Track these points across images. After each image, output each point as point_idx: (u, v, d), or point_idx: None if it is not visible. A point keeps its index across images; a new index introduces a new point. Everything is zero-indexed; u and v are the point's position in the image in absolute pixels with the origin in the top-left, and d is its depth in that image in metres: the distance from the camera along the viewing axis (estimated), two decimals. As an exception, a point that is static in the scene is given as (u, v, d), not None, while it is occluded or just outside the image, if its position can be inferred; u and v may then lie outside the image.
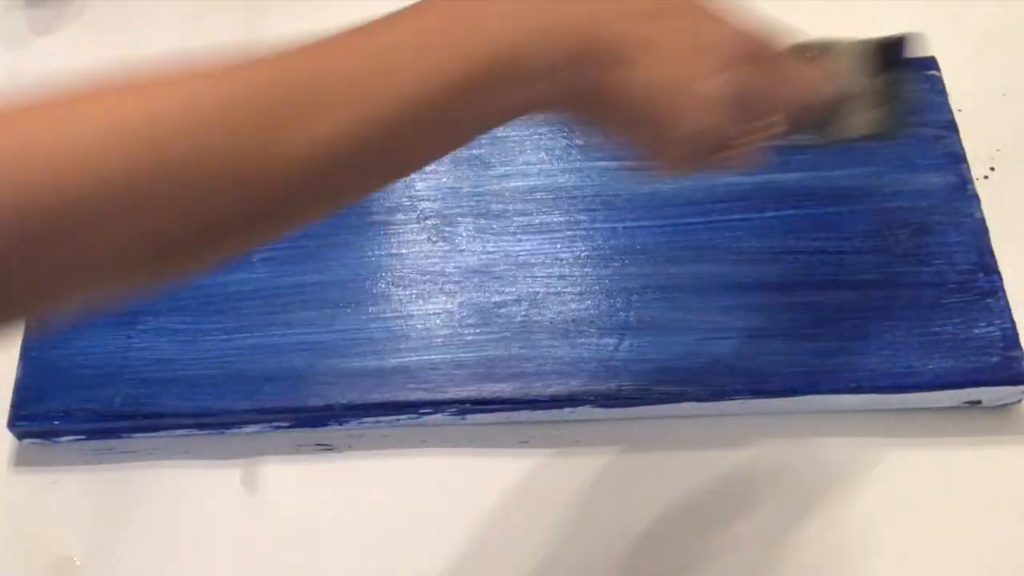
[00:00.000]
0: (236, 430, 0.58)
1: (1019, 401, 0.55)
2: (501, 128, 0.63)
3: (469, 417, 0.56)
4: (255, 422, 0.57)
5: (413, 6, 0.38)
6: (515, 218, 0.61)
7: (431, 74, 0.36)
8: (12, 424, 0.57)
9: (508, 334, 0.57)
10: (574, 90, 0.39)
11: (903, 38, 0.53)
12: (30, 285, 0.33)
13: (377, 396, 0.56)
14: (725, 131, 0.42)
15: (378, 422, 0.57)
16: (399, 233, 0.61)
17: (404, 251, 0.60)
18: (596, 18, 0.39)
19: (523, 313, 0.57)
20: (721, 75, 0.41)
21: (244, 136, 0.34)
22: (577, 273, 0.58)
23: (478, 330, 0.57)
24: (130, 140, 0.32)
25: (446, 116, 0.37)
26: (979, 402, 0.55)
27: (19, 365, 0.58)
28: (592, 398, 0.55)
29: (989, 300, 0.55)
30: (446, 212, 0.61)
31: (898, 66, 0.52)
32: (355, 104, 0.35)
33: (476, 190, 0.62)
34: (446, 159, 0.63)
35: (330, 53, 0.37)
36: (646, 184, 0.61)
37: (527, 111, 0.39)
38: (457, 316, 0.58)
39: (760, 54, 0.43)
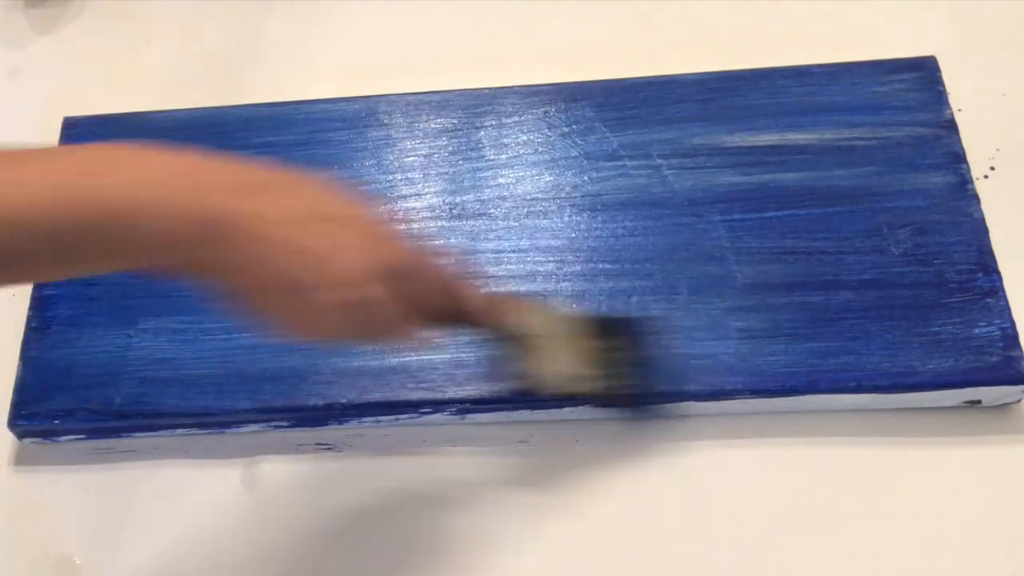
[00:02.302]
0: (236, 430, 0.58)
1: (1019, 401, 0.55)
2: (501, 129, 0.64)
3: (469, 417, 0.56)
4: (255, 422, 0.57)
5: (58, 148, 0.41)
6: (515, 218, 0.61)
7: (33, 211, 0.38)
8: (12, 423, 0.57)
9: (508, 334, 0.57)
10: (200, 261, 0.41)
11: (623, 319, 0.55)
12: None
13: (377, 396, 0.56)
14: (360, 308, 0.43)
15: (378, 422, 0.57)
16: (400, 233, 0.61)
17: (404, 251, 0.60)
18: (221, 199, 0.40)
19: (523, 313, 0.57)
20: (363, 250, 0.43)
21: None
22: (577, 273, 0.58)
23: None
24: None
25: (54, 251, 0.39)
26: (979, 402, 0.55)
27: (19, 365, 0.58)
28: (592, 398, 0.55)
29: (989, 300, 0.55)
30: (447, 213, 0.61)
31: (621, 335, 0.54)
32: None
33: (476, 191, 0.62)
34: (446, 159, 0.63)
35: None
36: (648, 186, 0.61)
37: (155, 267, 0.41)
38: (457, 316, 0.58)
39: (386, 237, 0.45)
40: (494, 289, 0.51)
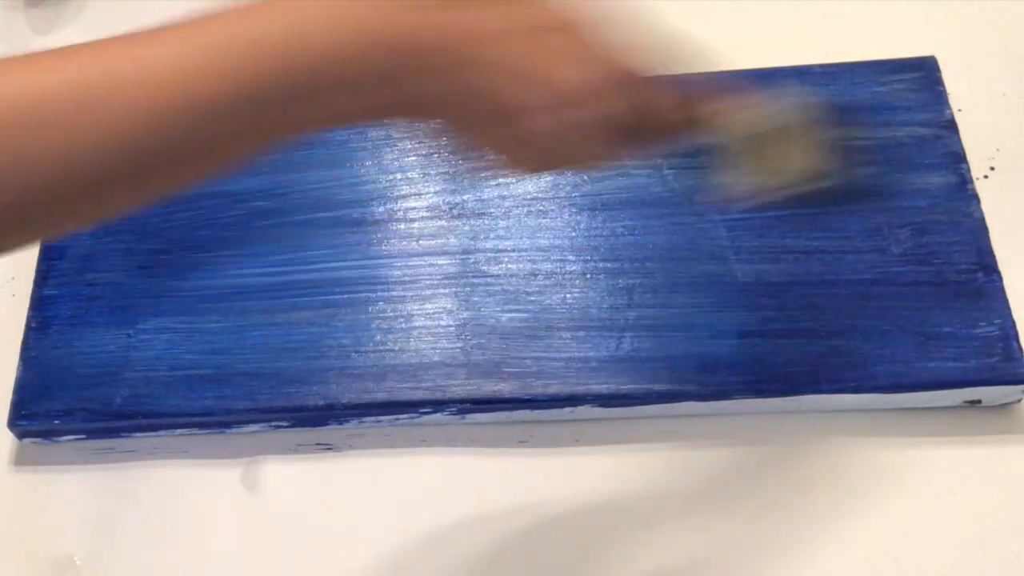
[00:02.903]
0: (236, 430, 0.58)
1: (1019, 401, 0.55)
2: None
3: (469, 417, 0.56)
4: (255, 422, 0.57)
5: (245, 7, 0.35)
6: (515, 218, 0.61)
7: (229, 75, 0.34)
8: (12, 423, 0.57)
9: (508, 334, 0.57)
10: (408, 96, 0.36)
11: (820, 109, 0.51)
12: None
13: (377, 396, 0.56)
14: (578, 128, 0.39)
15: (378, 421, 0.57)
16: (399, 233, 0.61)
17: (404, 251, 0.60)
18: (417, 19, 0.35)
19: (523, 313, 0.57)
20: (569, 69, 0.38)
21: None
22: (577, 273, 0.58)
23: (478, 329, 0.57)
24: None
25: (248, 117, 0.35)
26: (979, 401, 0.55)
27: (19, 365, 0.58)
28: (592, 398, 0.55)
29: (989, 300, 0.55)
30: (447, 213, 0.61)
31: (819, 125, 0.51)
32: (120, 111, 0.33)
33: (476, 191, 0.62)
34: (446, 159, 0.63)
35: (124, 51, 0.35)
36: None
37: (361, 118, 0.37)
38: (457, 316, 0.58)
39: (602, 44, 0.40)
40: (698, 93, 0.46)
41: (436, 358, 0.57)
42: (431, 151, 0.64)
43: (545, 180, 0.62)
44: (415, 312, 0.58)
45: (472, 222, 0.61)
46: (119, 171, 0.34)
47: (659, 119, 0.43)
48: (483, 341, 0.57)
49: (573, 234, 0.60)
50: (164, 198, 0.37)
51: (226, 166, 0.37)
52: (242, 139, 0.36)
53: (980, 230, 0.58)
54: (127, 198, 0.36)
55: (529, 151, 0.40)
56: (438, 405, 0.56)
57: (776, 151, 0.48)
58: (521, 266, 0.59)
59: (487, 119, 0.38)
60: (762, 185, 0.49)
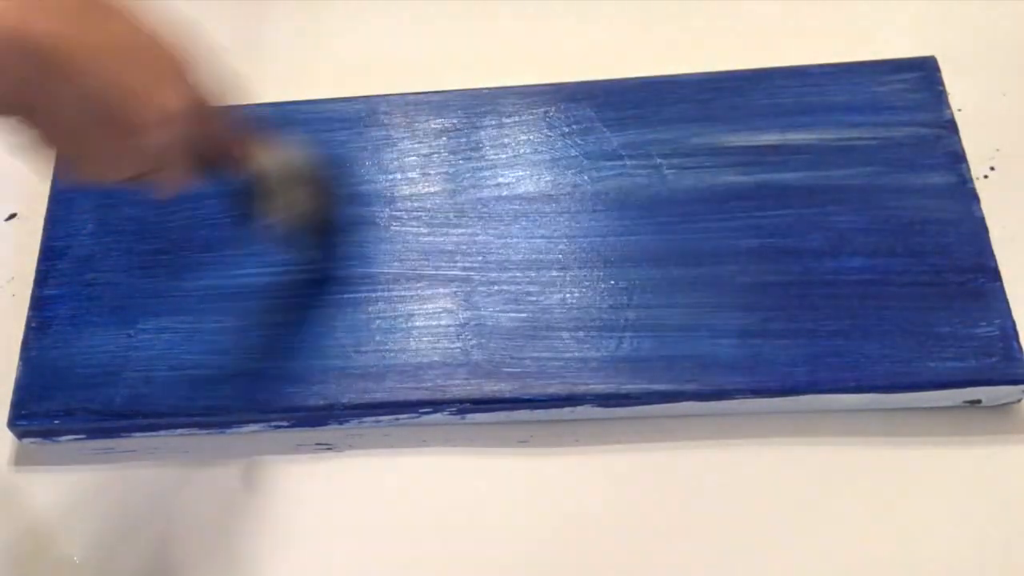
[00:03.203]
0: (236, 430, 0.58)
1: (1019, 401, 0.55)
2: (502, 129, 0.64)
3: (469, 416, 0.56)
4: (255, 422, 0.57)
5: None
6: (515, 218, 0.61)
7: None
8: (12, 423, 0.57)
9: (508, 334, 0.57)
10: (17, 95, 0.38)
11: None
12: None
13: (377, 396, 0.56)
14: (169, 149, 0.43)
15: (378, 421, 0.57)
16: (399, 233, 0.61)
17: (404, 251, 0.60)
18: (51, 25, 0.38)
19: (523, 313, 0.57)
20: (179, 92, 0.42)
21: None
22: (577, 273, 0.58)
23: (478, 329, 0.57)
24: None
25: None
26: (979, 401, 0.55)
27: (19, 365, 0.58)
28: (592, 398, 0.55)
29: (989, 300, 0.55)
30: (446, 213, 0.61)
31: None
32: None
33: (476, 191, 0.62)
34: (446, 159, 0.63)
35: None
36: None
37: None
38: (457, 316, 0.58)
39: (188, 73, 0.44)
40: (243, 130, 0.51)
41: (436, 358, 0.57)
42: (431, 151, 0.64)
43: (545, 180, 0.62)
44: (415, 312, 0.58)
45: (472, 222, 0.61)
46: None
47: (222, 148, 0.49)
48: (483, 341, 0.57)
49: (573, 234, 0.60)
50: None
51: None
52: None
53: (980, 230, 0.58)
54: None
55: (116, 161, 0.43)
56: (438, 405, 0.56)
57: (285, 189, 0.54)
58: (521, 266, 0.59)
59: (85, 127, 0.40)
60: (279, 218, 0.54)
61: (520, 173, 0.62)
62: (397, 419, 0.57)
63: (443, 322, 0.58)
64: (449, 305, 0.58)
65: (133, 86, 0.40)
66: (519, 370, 0.56)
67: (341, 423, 0.57)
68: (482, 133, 0.64)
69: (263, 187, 0.53)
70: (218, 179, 0.52)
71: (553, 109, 0.64)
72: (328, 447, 0.57)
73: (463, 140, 0.64)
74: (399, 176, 0.63)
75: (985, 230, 0.58)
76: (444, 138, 0.64)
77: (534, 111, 0.64)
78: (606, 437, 0.56)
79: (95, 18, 0.39)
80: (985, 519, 0.53)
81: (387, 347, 0.57)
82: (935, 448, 0.55)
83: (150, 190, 0.46)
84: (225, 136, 0.49)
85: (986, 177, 0.62)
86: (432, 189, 0.62)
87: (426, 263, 0.60)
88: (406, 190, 0.62)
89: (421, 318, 0.58)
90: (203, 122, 0.45)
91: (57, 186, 0.64)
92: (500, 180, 0.62)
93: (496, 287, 0.58)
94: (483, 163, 0.63)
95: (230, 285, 0.60)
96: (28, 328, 0.59)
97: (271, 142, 0.54)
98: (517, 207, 0.61)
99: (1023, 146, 0.63)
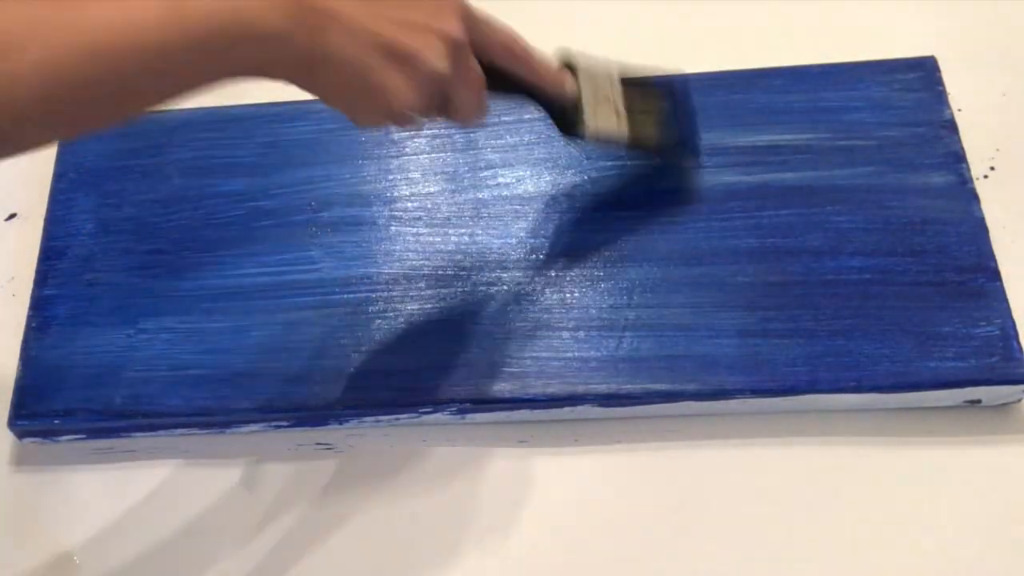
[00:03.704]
0: (236, 430, 0.58)
1: (1019, 400, 0.55)
2: (501, 129, 0.64)
3: (469, 416, 0.56)
4: (255, 422, 0.57)
5: None
6: (515, 219, 0.61)
7: (153, 25, 0.38)
8: (12, 423, 0.57)
9: (508, 334, 0.57)
10: (289, 53, 0.41)
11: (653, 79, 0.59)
12: None
13: (377, 396, 0.56)
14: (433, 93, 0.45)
15: (378, 422, 0.57)
16: (400, 233, 0.61)
17: (404, 251, 0.60)
18: None
19: (523, 313, 0.57)
20: (434, 54, 0.44)
21: None
22: (577, 273, 0.58)
23: (478, 329, 0.57)
24: None
25: (167, 66, 0.39)
26: (979, 401, 0.55)
27: (19, 365, 0.58)
28: (592, 398, 0.55)
29: (989, 300, 0.55)
30: (446, 213, 0.61)
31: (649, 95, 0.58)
32: (54, 43, 0.37)
33: (476, 191, 0.62)
34: (446, 159, 0.63)
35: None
36: (642, 184, 0.61)
37: (247, 73, 0.41)
38: (457, 316, 0.58)
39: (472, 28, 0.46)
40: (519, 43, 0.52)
41: (436, 358, 0.57)
42: (431, 151, 0.64)
43: (545, 180, 0.62)
44: (415, 312, 0.58)
45: (472, 222, 0.61)
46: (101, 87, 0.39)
47: (507, 58, 0.50)
48: (483, 341, 0.57)
49: (573, 234, 0.60)
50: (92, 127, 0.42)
51: (166, 100, 0.42)
52: (178, 80, 0.41)
53: (980, 230, 0.58)
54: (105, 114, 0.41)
55: (407, 96, 0.44)
56: (438, 405, 0.56)
57: (598, 112, 0.55)
58: (521, 266, 0.59)
59: (380, 69, 0.43)
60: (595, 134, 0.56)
61: (520, 173, 0.62)
62: (397, 419, 0.57)
63: (443, 322, 0.58)
64: (449, 305, 0.58)
65: (411, 19, 0.43)
66: (519, 370, 0.56)
67: (341, 423, 0.57)
68: (481, 133, 0.64)
69: (575, 104, 0.55)
70: (510, 96, 0.53)
71: (553, 109, 0.64)
72: (328, 447, 0.57)
73: (463, 140, 0.64)
74: (399, 176, 0.63)
75: (985, 230, 0.58)
76: (444, 138, 0.64)
77: (534, 111, 0.64)
78: (606, 437, 0.56)
79: None
80: (985, 519, 0.53)
81: (387, 347, 0.57)
82: (935, 448, 0.55)
83: (451, 120, 0.49)
84: (508, 45, 0.50)
85: (986, 177, 0.62)
86: (432, 189, 0.62)
87: (426, 263, 0.60)
88: (406, 190, 0.62)
89: (421, 318, 0.58)
90: (482, 34, 0.47)
91: (57, 186, 0.64)
92: (500, 180, 0.62)
93: (496, 287, 0.58)
94: (483, 163, 0.63)
95: (230, 285, 0.60)
96: (28, 328, 0.59)
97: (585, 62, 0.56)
98: (517, 207, 0.61)
99: (1023, 146, 0.63)
